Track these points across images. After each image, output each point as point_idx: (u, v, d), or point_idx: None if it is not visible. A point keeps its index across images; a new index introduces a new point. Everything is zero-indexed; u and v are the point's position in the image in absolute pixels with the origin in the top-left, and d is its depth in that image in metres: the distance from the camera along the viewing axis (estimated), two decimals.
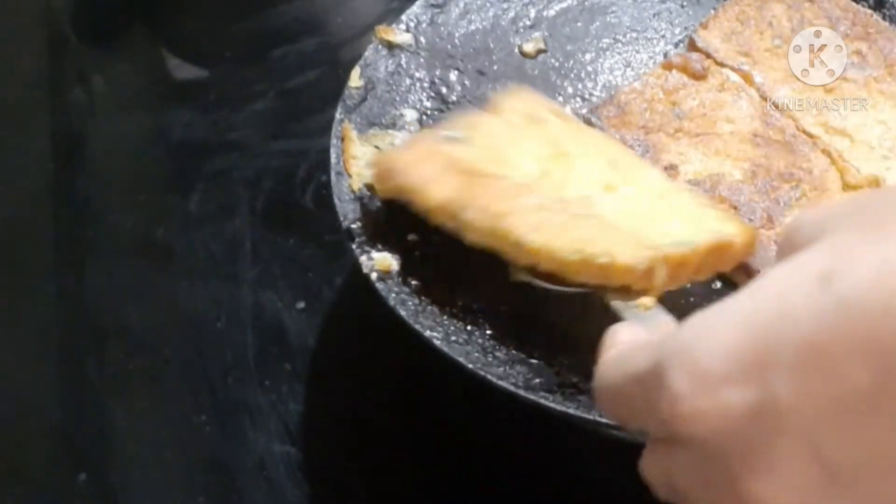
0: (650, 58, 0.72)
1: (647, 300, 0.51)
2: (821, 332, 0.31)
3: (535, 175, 0.56)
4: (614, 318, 0.55)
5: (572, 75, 0.70)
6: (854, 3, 0.71)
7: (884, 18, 0.70)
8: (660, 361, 0.34)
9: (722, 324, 0.33)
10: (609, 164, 0.57)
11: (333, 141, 0.61)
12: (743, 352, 0.32)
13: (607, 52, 0.72)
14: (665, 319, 0.48)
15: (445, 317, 0.55)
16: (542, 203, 0.54)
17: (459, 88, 0.68)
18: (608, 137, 0.59)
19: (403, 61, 0.67)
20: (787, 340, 0.31)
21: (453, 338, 0.54)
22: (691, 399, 0.33)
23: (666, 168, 0.62)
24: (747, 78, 0.67)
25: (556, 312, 0.57)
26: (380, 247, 0.57)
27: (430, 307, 0.55)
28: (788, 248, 0.35)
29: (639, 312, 0.50)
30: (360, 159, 0.61)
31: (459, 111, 0.66)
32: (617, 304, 0.51)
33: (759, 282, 0.33)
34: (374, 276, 0.56)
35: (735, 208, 0.61)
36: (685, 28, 0.73)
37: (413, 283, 0.56)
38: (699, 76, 0.67)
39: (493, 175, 0.56)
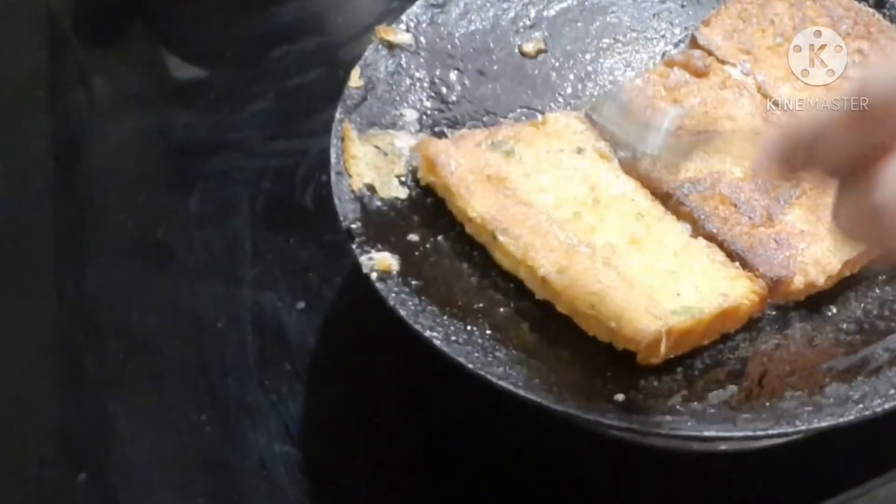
0: (650, 58, 0.72)
1: None
2: None
3: (567, 215, 0.59)
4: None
5: (572, 75, 0.70)
6: (856, 3, 0.71)
7: (885, 18, 0.70)
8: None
9: None
10: (636, 217, 0.60)
11: (333, 141, 0.61)
12: None
13: (607, 52, 0.72)
14: None
15: (445, 317, 0.55)
16: (571, 245, 0.57)
17: (459, 88, 0.68)
18: (639, 187, 0.62)
19: (403, 61, 0.67)
20: None
21: (453, 338, 0.54)
22: None
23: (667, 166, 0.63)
24: (749, 75, 0.67)
25: (557, 312, 0.57)
26: (380, 247, 0.57)
27: (430, 307, 0.55)
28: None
29: None
30: (360, 159, 0.61)
31: (460, 111, 0.66)
32: None
33: None
34: (374, 276, 0.56)
35: (735, 206, 0.61)
36: (685, 28, 0.73)
37: (413, 283, 0.56)
38: (701, 73, 0.67)
39: (529, 203, 0.59)
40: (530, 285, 0.57)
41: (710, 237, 0.60)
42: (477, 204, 0.59)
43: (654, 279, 0.56)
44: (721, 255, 0.58)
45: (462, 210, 0.59)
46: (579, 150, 0.63)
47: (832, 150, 0.39)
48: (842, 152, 0.39)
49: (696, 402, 0.53)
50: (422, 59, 0.68)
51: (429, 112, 0.66)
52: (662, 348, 0.53)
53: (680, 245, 0.59)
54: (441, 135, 0.65)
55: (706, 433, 0.51)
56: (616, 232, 0.59)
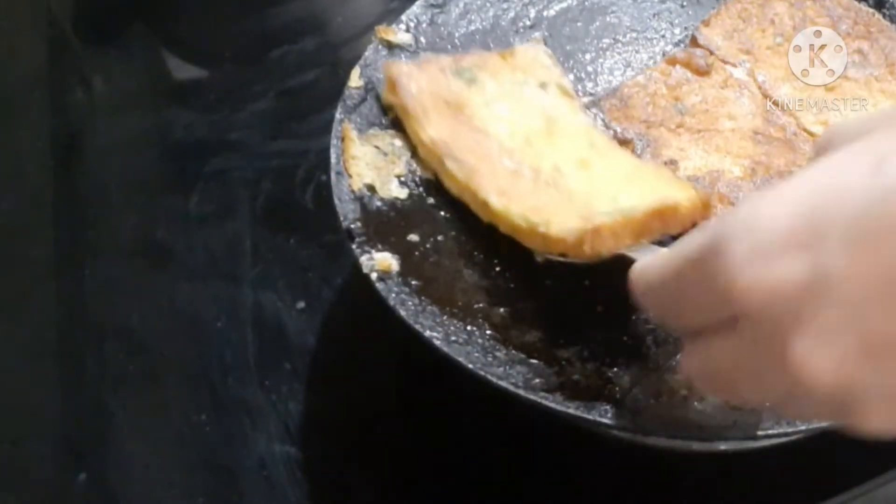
0: (650, 58, 0.71)
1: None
2: (872, 210, 0.32)
3: (519, 142, 0.60)
4: (609, 319, 0.55)
5: (572, 75, 0.70)
6: (856, 3, 0.71)
7: (885, 18, 0.70)
8: (719, 236, 0.35)
9: (780, 200, 0.35)
10: (589, 145, 0.60)
11: (333, 141, 0.61)
12: (799, 225, 0.34)
13: (607, 52, 0.71)
14: None
15: (445, 317, 0.55)
16: (515, 169, 0.58)
17: None
18: (598, 124, 0.62)
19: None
20: (841, 216, 0.33)
21: (453, 338, 0.54)
22: (750, 268, 0.34)
23: (666, 163, 0.62)
24: (749, 75, 0.67)
25: (558, 312, 0.57)
26: (380, 247, 0.57)
27: (430, 307, 0.55)
28: (830, 147, 0.36)
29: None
30: (360, 159, 0.61)
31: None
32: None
33: (814, 167, 0.35)
34: (374, 276, 0.56)
35: (734, 205, 0.61)
36: (685, 28, 0.73)
37: (413, 283, 0.56)
38: (702, 72, 0.67)
39: (483, 131, 0.60)
40: (474, 209, 0.58)
41: None
42: (431, 128, 0.60)
43: (594, 192, 0.57)
44: (670, 173, 0.59)
45: (415, 133, 0.60)
46: (542, 85, 0.63)
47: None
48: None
49: (696, 402, 0.53)
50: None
51: None
52: (588, 246, 0.53)
53: (630, 168, 0.59)
54: None
55: (706, 433, 0.51)
56: (565, 156, 0.59)
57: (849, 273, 0.33)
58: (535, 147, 0.60)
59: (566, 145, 0.60)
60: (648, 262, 0.42)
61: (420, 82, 0.61)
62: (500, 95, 0.62)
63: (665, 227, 0.55)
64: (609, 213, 0.54)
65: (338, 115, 0.62)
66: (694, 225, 0.56)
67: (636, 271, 0.42)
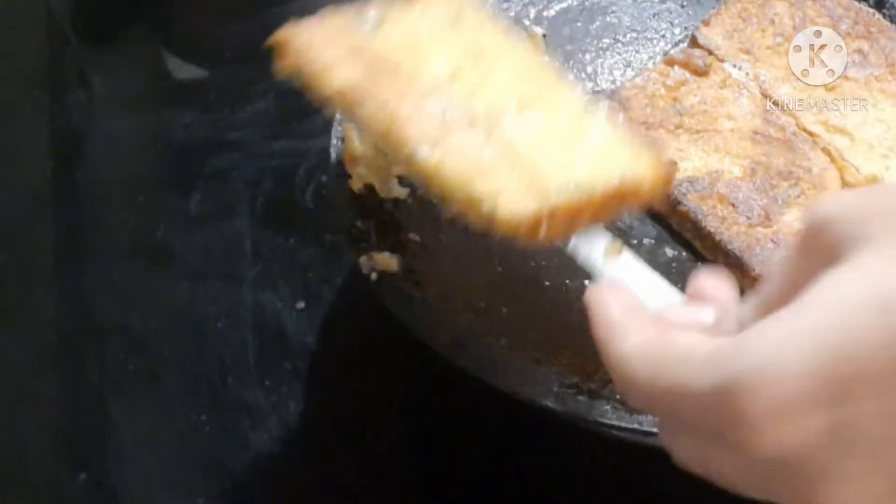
0: (650, 58, 0.72)
1: (615, 245, 0.48)
2: (889, 360, 0.32)
3: (444, 77, 0.52)
4: None
5: (572, 75, 0.70)
6: (856, 3, 0.71)
7: (885, 18, 0.70)
8: (732, 384, 0.33)
9: (794, 347, 0.33)
10: (528, 75, 0.53)
11: (333, 141, 0.61)
12: (820, 379, 0.32)
13: (607, 52, 0.72)
14: (657, 281, 0.45)
15: (445, 317, 0.55)
16: (445, 114, 0.50)
17: None
18: (531, 52, 0.55)
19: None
20: (862, 368, 0.32)
21: (454, 338, 0.54)
22: (774, 425, 0.33)
23: None
24: (749, 75, 0.67)
25: (557, 312, 0.57)
26: (380, 247, 0.57)
27: (430, 307, 0.55)
28: (821, 244, 0.35)
29: (610, 261, 0.47)
30: (360, 159, 0.61)
31: None
32: (578, 246, 0.48)
33: (820, 296, 0.33)
34: (374, 276, 0.56)
35: (733, 205, 0.61)
36: (685, 28, 0.73)
37: (413, 283, 0.56)
38: (701, 73, 0.67)
39: (399, 68, 0.52)
40: (396, 160, 0.52)
41: (708, 236, 0.60)
42: (337, 79, 0.51)
43: (543, 150, 0.49)
44: (621, 126, 0.53)
45: (321, 91, 0.51)
46: (458, 18, 0.55)
47: None
48: None
49: None
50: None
51: None
52: (543, 230, 0.47)
53: (577, 111, 0.52)
54: None
55: None
56: (502, 93, 0.51)
57: (874, 423, 0.33)
58: (465, 81, 0.52)
59: (500, 75, 0.52)
60: (637, 362, 0.38)
61: (316, 36, 0.53)
62: (412, 32, 0.54)
63: (622, 206, 0.51)
64: (564, 188, 0.47)
65: (338, 115, 0.62)
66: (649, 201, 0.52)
67: (613, 358, 0.39)
